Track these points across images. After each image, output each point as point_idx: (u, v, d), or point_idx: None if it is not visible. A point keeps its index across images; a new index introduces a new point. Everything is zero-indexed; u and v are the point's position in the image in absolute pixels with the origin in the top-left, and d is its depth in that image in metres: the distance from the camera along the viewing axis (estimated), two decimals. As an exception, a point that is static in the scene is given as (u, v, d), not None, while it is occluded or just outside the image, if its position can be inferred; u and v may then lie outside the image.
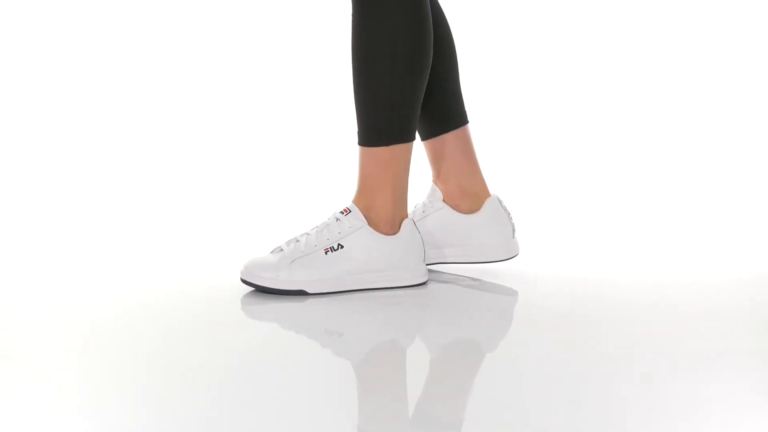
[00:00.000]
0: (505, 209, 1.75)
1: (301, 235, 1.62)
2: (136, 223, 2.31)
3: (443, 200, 1.74)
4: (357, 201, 1.62)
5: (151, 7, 3.17)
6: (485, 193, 1.75)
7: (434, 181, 1.77)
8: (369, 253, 1.59)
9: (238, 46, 3.18)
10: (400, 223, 1.62)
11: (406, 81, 1.60)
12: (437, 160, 1.75)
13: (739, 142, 3.00)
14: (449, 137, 1.74)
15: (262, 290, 1.59)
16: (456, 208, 1.74)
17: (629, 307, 1.56)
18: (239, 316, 1.55)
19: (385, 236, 1.60)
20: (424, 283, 1.63)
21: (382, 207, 1.61)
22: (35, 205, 2.48)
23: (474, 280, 1.72)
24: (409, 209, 1.80)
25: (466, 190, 1.74)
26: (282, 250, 1.60)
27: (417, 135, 1.69)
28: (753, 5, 3.17)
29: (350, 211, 1.61)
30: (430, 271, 1.73)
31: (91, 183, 2.72)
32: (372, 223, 1.61)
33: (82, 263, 1.91)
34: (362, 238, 1.59)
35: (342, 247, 1.59)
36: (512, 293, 1.67)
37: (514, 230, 1.74)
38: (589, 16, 3.22)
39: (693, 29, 3.19)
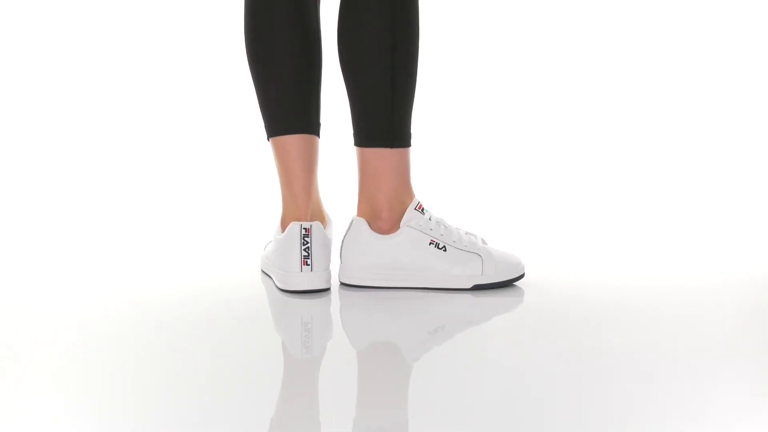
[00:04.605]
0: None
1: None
2: (137, 222, 2.31)
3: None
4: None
5: (150, 7, 3.17)
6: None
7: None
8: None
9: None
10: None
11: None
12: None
13: (738, 142, 3.00)
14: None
15: None
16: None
17: (628, 309, 1.56)
18: (241, 316, 1.55)
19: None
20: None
21: None
22: (35, 205, 2.48)
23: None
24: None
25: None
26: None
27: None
28: (753, 5, 3.17)
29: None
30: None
31: (91, 183, 2.72)
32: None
33: (83, 263, 1.91)
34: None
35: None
36: (510, 296, 1.67)
37: None
38: (587, 15, 3.22)
39: (690, 30, 3.20)
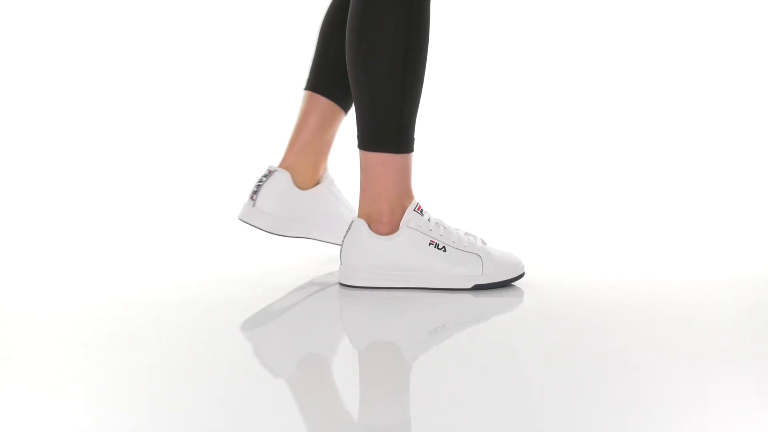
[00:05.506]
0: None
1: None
2: (137, 221, 2.31)
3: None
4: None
5: (150, 7, 3.17)
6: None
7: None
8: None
9: (245, 43, 3.18)
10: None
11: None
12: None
13: (738, 142, 3.00)
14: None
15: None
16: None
17: (628, 309, 1.56)
18: (241, 316, 1.55)
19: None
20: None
21: None
22: (35, 205, 2.48)
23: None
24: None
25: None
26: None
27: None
28: (753, 5, 3.17)
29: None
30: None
31: (91, 183, 2.72)
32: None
33: (82, 263, 1.91)
34: None
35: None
36: (510, 296, 1.67)
37: None
38: (585, 22, 3.22)
39: (690, 30, 3.20)
